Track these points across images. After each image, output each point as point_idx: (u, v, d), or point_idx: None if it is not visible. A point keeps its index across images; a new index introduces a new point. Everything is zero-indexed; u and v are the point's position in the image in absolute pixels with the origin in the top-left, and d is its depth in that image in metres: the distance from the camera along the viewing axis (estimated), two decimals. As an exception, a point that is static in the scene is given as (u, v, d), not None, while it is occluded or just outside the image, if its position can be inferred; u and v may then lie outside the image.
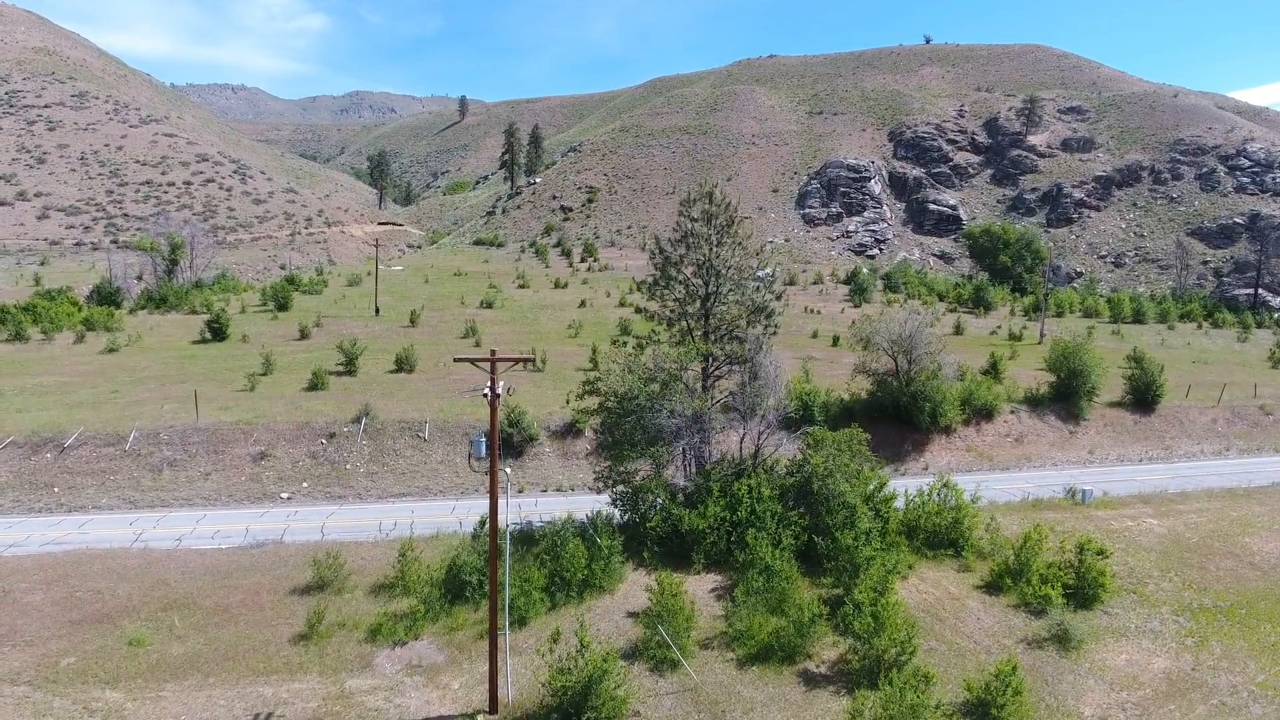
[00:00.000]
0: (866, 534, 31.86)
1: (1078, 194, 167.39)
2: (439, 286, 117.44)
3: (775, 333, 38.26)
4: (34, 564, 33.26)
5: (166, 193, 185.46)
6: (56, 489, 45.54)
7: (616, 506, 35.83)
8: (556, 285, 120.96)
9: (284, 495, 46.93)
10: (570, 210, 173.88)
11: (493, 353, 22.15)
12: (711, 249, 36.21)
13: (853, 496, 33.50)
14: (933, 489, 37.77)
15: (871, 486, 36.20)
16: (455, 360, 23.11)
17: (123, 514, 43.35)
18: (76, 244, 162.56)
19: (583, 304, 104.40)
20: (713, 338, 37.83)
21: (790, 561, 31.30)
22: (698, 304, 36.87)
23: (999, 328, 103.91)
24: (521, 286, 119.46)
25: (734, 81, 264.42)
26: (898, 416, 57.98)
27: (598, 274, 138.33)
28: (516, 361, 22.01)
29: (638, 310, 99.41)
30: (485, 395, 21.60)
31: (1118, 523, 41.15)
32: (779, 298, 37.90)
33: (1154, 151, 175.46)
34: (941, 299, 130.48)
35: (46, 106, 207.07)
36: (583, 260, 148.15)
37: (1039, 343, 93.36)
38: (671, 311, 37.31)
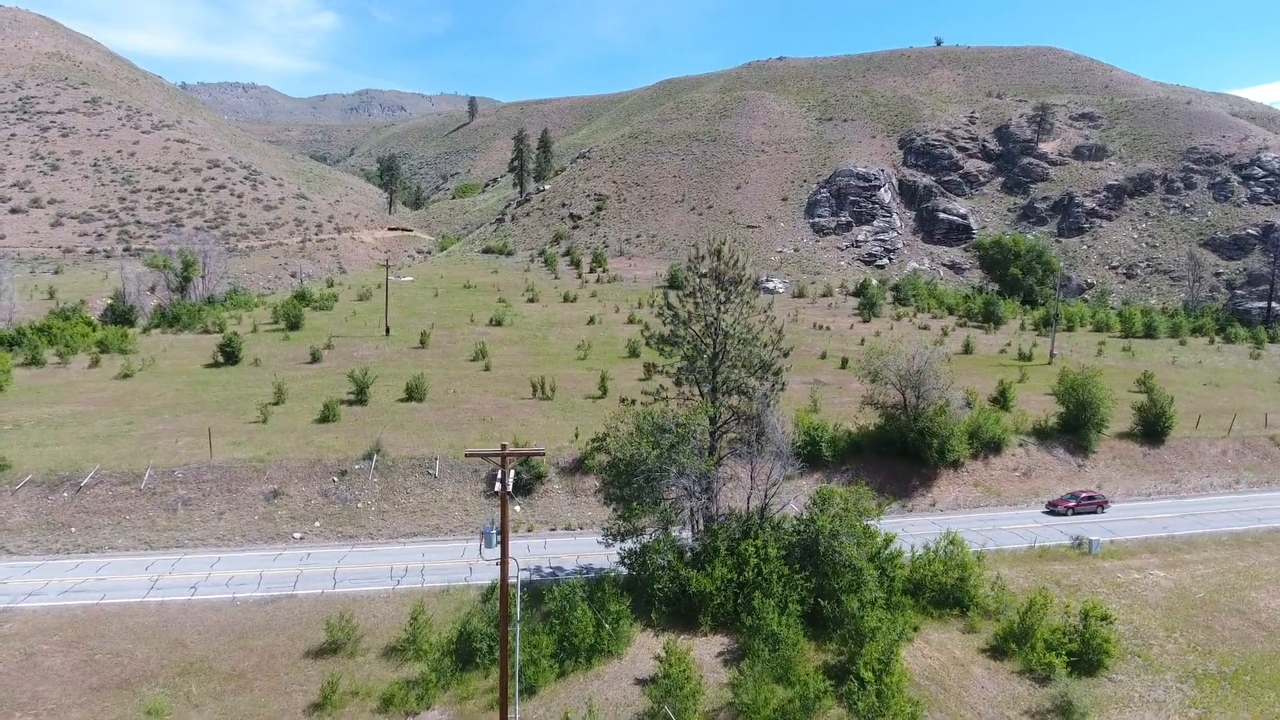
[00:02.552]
0: (872, 602, 32.11)
1: (1089, 203, 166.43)
2: (448, 301, 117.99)
3: (783, 388, 38.46)
4: (54, 621, 33.90)
5: (178, 199, 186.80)
6: (74, 529, 46.26)
7: (625, 565, 36.19)
8: (566, 299, 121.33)
9: (296, 535, 47.54)
10: (579, 218, 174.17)
11: (503, 447, 22.54)
12: (719, 308, 36.45)
13: (859, 559, 33.76)
14: (939, 545, 37.95)
15: (878, 542, 36.43)
16: (467, 455, 23.53)
17: (139, 556, 44.01)
18: (90, 252, 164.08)
19: (591, 321, 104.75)
20: (720, 391, 38.11)
21: (796, 628, 31.62)
22: (705, 362, 37.11)
23: (1009, 345, 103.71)
24: (531, 300, 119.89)
25: (743, 85, 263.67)
26: (905, 452, 58.04)
27: (606, 285, 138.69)
28: (527, 455, 22.34)
29: (646, 329, 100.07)
30: (496, 492, 22.01)
31: (1124, 575, 41.27)
32: (786, 354, 38.07)
33: (1167, 160, 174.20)
34: (951, 312, 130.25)
35: (60, 113, 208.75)
36: (591, 270, 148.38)
37: (1049, 363, 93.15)
38: (680, 369, 37.56)
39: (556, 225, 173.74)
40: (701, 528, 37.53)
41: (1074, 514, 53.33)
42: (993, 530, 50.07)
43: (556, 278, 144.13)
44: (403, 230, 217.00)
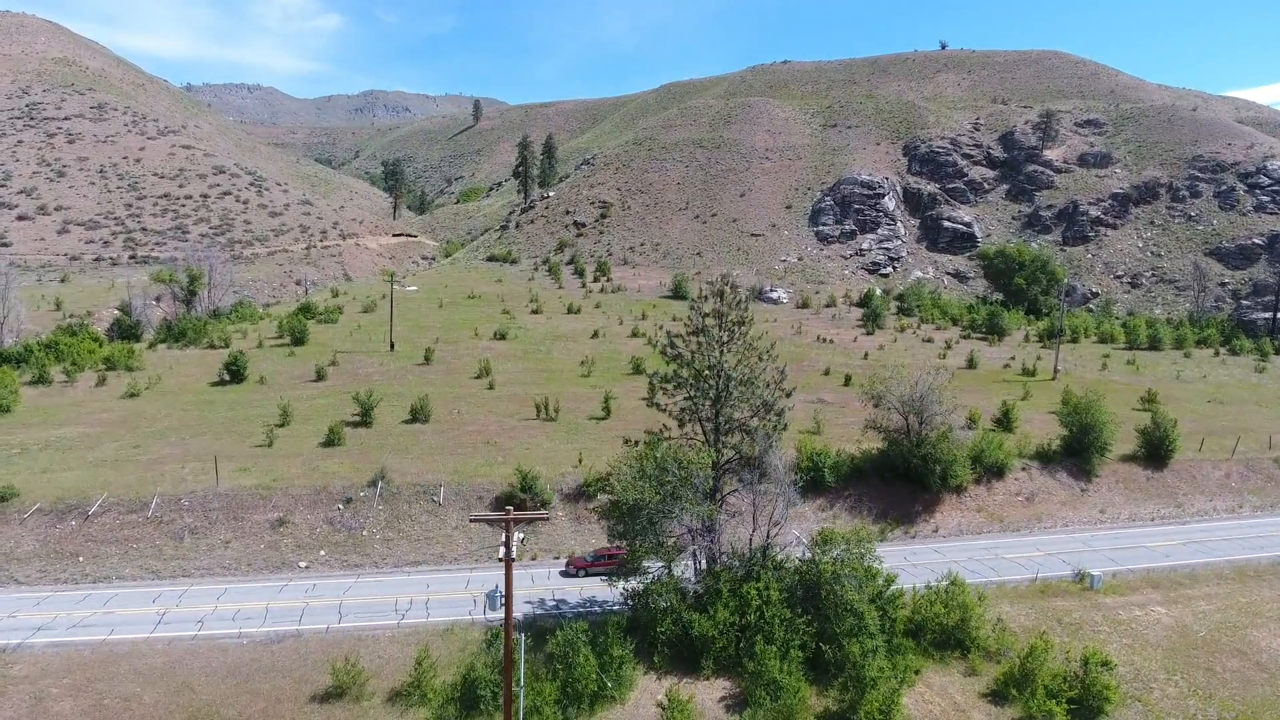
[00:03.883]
0: (874, 650, 32.26)
1: (1094, 211, 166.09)
2: (453, 312, 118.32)
3: (785, 428, 38.65)
4: (63, 663, 34.24)
5: (184, 206, 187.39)
6: (81, 558, 46.64)
7: (628, 605, 36.40)
8: (570, 310, 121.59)
9: (302, 564, 47.84)
10: (583, 226, 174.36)
11: (507, 510, 22.77)
12: (721, 349, 36.66)
13: (860, 602, 33.92)
14: (940, 586, 38.09)
15: (880, 583, 36.58)
16: (472, 520, 23.76)
17: (146, 586, 44.38)
18: (96, 259, 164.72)
19: (595, 334, 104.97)
20: (723, 431, 38.32)
21: (797, 674, 31.81)
22: (708, 404, 37.33)
23: (1013, 359, 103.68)
24: (535, 312, 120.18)
25: (748, 89, 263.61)
26: (908, 476, 58.15)
27: (610, 295, 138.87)
28: (530, 520, 22.57)
29: (650, 342, 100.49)
30: (500, 559, 22.25)
31: (1125, 612, 41.37)
32: (789, 395, 38.27)
33: (1172, 168, 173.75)
34: (955, 323, 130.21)
35: (66, 119, 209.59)
36: (595, 280, 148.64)
37: (1053, 379, 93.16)
38: (683, 409, 37.78)
39: (561, 233, 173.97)
40: (704, 567, 37.75)
41: (587, 574, 44.60)
42: (995, 560, 50.22)
43: (560, 287, 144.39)
44: (407, 236, 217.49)
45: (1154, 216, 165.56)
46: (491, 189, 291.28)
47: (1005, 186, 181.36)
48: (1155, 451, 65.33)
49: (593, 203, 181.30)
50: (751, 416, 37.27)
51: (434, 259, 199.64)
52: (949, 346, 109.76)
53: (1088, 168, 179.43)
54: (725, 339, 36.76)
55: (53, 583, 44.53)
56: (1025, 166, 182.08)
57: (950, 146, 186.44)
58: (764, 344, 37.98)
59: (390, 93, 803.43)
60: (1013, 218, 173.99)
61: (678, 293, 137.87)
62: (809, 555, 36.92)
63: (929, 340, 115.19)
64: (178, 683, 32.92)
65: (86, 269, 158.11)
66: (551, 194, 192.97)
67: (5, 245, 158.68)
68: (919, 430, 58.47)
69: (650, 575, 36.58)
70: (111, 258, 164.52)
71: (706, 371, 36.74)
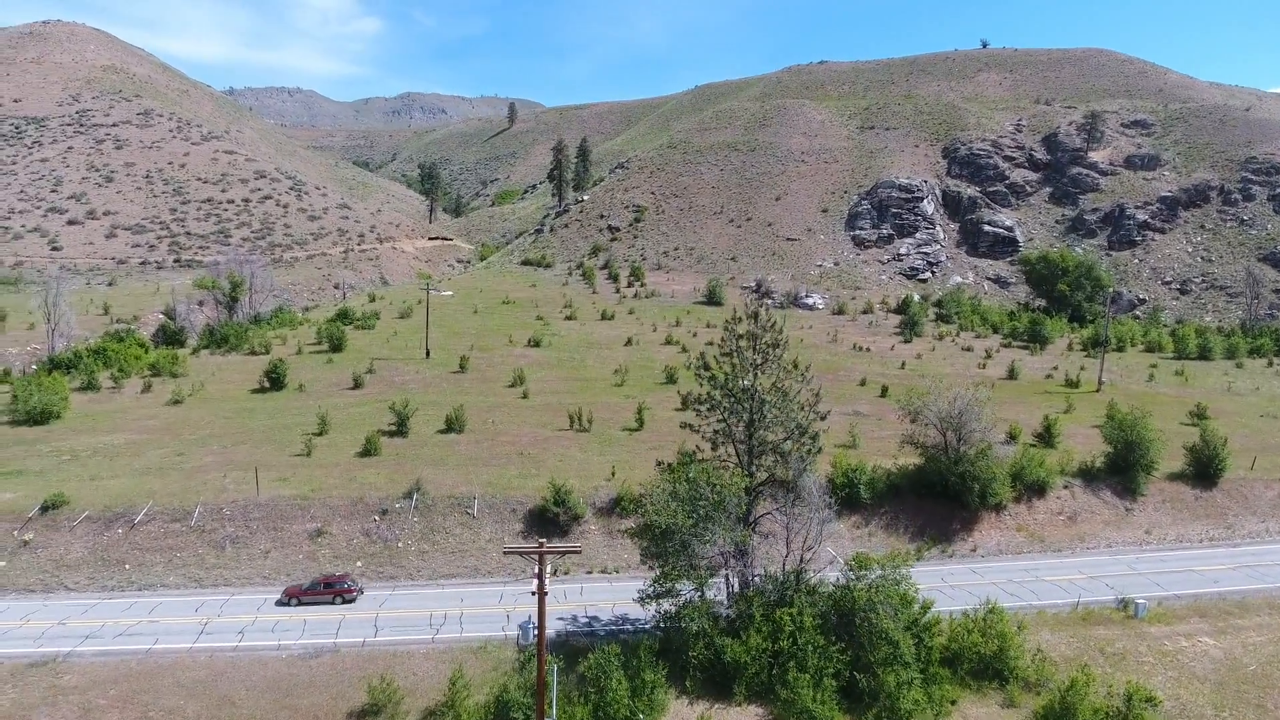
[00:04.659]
0: (909, 682, 31.75)
1: (1141, 215, 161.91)
2: (488, 318, 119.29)
3: (819, 451, 38.24)
4: (110, 674, 35.15)
5: (226, 210, 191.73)
6: (127, 566, 47.87)
7: (660, 627, 36.29)
8: (603, 317, 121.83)
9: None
10: (617, 230, 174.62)
11: (540, 544, 22.82)
12: (755, 372, 36.38)
13: (896, 631, 33.40)
14: (978, 614, 37.35)
15: (915, 610, 35.99)
16: (505, 552, 23.83)
17: (189, 595, 45.39)
18: (142, 263, 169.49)
19: (629, 342, 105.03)
20: (756, 452, 38.04)
21: (830, 704, 31.44)
22: (741, 427, 37.09)
23: (1055, 369, 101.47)
24: (569, 318, 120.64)
25: (783, 91, 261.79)
26: (946, 493, 57.10)
27: (644, 300, 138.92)
28: (563, 552, 22.61)
29: (683, 349, 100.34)
30: (533, 593, 22.31)
31: (1171, 642, 40.17)
32: (823, 418, 37.85)
33: (1223, 170, 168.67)
34: (995, 331, 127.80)
35: (114, 125, 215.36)
36: (629, 285, 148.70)
37: (1097, 391, 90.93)
38: (716, 432, 37.59)
39: (595, 237, 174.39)
40: (736, 590, 37.52)
41: (301, 603, 43.25)
42: (1034, 582, 49.14)
43: (594, 292, 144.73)
44: (443, 240, 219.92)
45: (1204, 220, 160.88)
46: (526, 192, 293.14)
47: (1048, 189, 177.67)
48: (1204, 470, 63.34)
49: (627, 206, 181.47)
50: (785, 439, 36.96)
51: (469, 262, 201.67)
52: (989, 355, 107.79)
53: (1135, 170, 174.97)
54: (759, 361, 36.51)
55: (100, 590, 45.77)
56: (1069, 169, 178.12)
57: (991, 148, 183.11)
58: (799, 366, 37.60)
59: (426, 95, 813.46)
60: (1056, 221, 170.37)
61: (712, 298, 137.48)
62: (843, 578, 36.46)
63: (968, 349, 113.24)
64: (219, 696, 33.62)
65: (133, 272, 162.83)
66: (586, 197, 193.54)
67: (56, 250, 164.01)
68: (957, 447, 57.37)
69: (682, 598, 36.44)
70: (157, 261, 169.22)
71: (740, 394, 36.52)
